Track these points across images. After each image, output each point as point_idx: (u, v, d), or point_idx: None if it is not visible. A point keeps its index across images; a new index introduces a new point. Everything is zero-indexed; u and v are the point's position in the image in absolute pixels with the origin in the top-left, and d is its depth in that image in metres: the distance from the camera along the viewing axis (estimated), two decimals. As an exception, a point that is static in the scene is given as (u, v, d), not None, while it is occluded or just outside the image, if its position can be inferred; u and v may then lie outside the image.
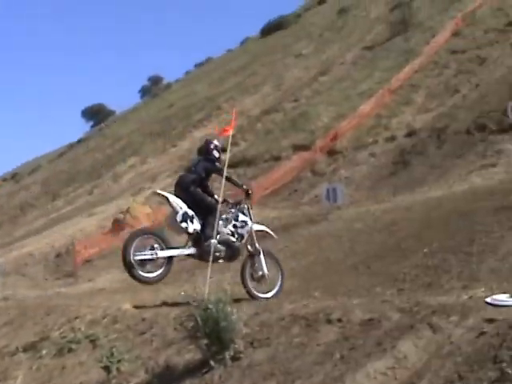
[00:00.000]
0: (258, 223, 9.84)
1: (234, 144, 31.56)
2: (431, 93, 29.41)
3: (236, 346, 6.23)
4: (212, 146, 9.77)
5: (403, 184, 21.05)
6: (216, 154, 9.77)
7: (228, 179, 9.42)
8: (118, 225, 25.88)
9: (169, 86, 75.31)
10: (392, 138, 25.86)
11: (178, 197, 9.13)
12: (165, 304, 9.17)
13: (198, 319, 6.24)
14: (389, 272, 9.81)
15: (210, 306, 6.16)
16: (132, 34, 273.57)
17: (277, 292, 9.36)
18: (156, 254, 8.72)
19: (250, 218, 9.57)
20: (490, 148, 19.84)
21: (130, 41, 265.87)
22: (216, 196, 9.38)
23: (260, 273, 9.32)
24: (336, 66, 41.21)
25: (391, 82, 31.55)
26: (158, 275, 8.80)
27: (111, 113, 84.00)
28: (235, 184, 9.74)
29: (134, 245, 8.59)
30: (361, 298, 7.61)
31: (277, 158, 28.99)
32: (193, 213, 9.02)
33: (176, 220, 8.92)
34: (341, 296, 8.32)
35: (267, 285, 9.32)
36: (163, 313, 8.43)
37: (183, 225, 8.93)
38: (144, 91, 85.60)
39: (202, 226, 9.08)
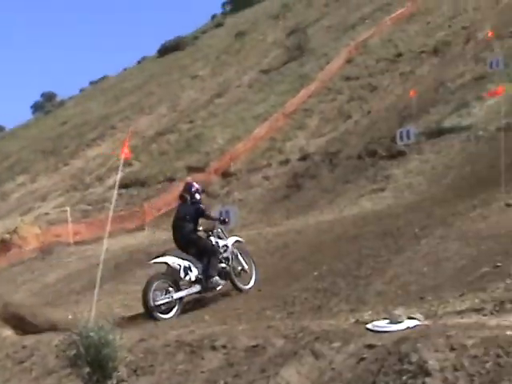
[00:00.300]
0: (229, 237, 11.40)
1: (128, 164, 31.19)
2: (325, 118, 30.06)
3: (119, 373, 6.01)
4: (194, 190, 11.03)
5: (296, 207, 21.32)
6: (198, 196, 11.04)
7: (208, 217, 11.13)
8: (4, 245, 24.82)
9: (62, 102, 73.61)
10: (286, 162, 26.20)
11: (180, 246, 10.64)
12: (49, 329, 8.79)
13: (80, 346, 5.96)
14: (279, 295, 9.80)
15: (92, 334, 5.89)
16: (26, 48, 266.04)
17: (255, 282, 11.14)
18: (172, 297, 10.06)
19: (226, 236, 11.22)
20: (380, 173, 20.39)
21: (23, 55, 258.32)
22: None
23: (239, 268, 11.11)
24: (232, 89, 41.48)
25: (286, 106, 32.03)
26: (173, 314, 9.99)
27: (0, 128, 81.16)
28: (213, 219, 11.36)
29: (153, 290, 9.84)
30: (250, 321, 7.53)
31: (171, 179, 28.75)
32: (189, 263, 10.42)
33: (181, 277, 10.29)
34: (231, 320, 8.22)
35: (247, 278, 11.14)
36: (45, 340, 8.06)
37: (187, 278, 10.35)
38: (36, 107, 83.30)
39: (205, 266, 10.53)
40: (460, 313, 6.15)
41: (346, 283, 9.32)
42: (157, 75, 55.64)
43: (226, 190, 26.07)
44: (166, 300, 9.96)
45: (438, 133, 21.01)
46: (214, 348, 5.98)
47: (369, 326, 5.69)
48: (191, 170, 28.65)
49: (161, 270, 10.54)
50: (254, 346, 5.74)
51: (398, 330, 5.43)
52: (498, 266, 7.97)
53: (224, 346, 5.94)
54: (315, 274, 10.35)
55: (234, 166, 27.60)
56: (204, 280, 10.50)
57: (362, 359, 4.94)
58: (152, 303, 9.76)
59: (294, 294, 9.54)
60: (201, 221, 10.92)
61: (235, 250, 11.19)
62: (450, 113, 22.08)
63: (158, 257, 10.51)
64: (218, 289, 10.75)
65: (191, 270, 10.41)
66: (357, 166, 22.28)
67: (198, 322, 7.97)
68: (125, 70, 74.83)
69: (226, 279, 10.86)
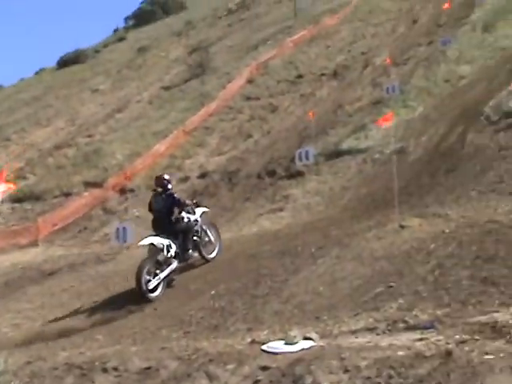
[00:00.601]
0: (197, 207, 13.24)
1: (23, 178, 30.15)
2: (225, 136, 30.13)
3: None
4: (166, 182, 12.78)
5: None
6: (170, 186, 12.84)
7: (184, 204, 12.75)
8: None
9: (-47, 112, 70.48)
10: (185, 179, 26.01)
11: (158, 230, 12.28)
12: None
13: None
14: (175, 314, 9.68)
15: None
16: None
17: (218, 251, 13.33)
18: (160, 277, 11.68)
19: (194, 212, 12.95)
20: (279, 193, 20.55)
21: None
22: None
23: (206, 239, 13.18)
24: (133, 104, 40.97)
25: (186, 123, 31.91)
26: (160, 292, 11.61)
27: None
28: (188, 205, 12.94)
29: (145, 274, 11.40)
30: (145, 341, 7.36)
31: (67, 194, 27.96)
32: (169, 241, 12.09)
33: (164, 254, 11.91)
34: (125, 339, 8.01)
35: (211, 248, 13.27)
36: None
37: (168, 255, 11.98)
38: None
39: (181, 242, 12.38)
40: (354, 332, 6.23)
41: (243, 302, 9.31)
42: (55, 87, 54.27)
43: (124, 206, 25.58)
44: (156, 282, 11.56)
45: (336, 154, 21.42)
46: (105, 370, 5.77)
47: (264, 347, 5.66)
48: (89, 185, 27.98)
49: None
50: (146, 368, 5.59)
51: (293, 352, 5.43)
52: (391, 287, 8.16)
53: (115, 369, 5.74)
54: (212, 292, 10.30)
55: (132, 182, 27.17)
56: (181, 254, 12.32)
57: (257, 381, 4.89)
58: (145, 287, 11.32)
59: (191, 312, 9.45)
60: None
61: (204, 225, 13.15)
62: (347, 135, 22.58)
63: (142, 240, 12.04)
64: (189, 260, 12.74)
65: (171, 247, 12.09)
66: (256, 185, 22.39)
67: (91, 341, 7.70)
68: (21, 80, 72.61)
69: (196, 250, 12.84)
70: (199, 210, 13.16)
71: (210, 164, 26.88)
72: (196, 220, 12.86)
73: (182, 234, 12.46)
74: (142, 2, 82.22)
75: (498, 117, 17.68)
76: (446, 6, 35.47)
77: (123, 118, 38.20)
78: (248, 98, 34.27)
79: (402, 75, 27.68)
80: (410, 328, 6.16)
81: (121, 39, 68.95)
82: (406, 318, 6.47)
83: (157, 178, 13.10)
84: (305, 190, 19.84)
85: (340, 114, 26.25)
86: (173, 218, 12.49)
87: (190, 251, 12.61)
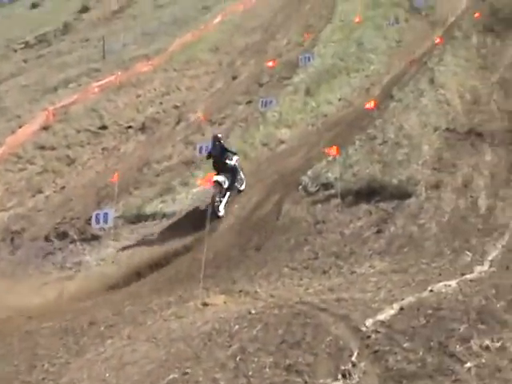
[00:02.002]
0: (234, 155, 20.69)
1: None
2: (10, 190, 29.04)
3: None
4: (219, 137, 20.97)
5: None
6: (222, 140, 20.95)
7: (227, 150, 20.44)
8: None
9: None
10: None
11: (218, 170, 19.81)
12: None
13: None
14: None
15: None
16: None
17: (244, 185, 20.95)
18: (220, 201, 19.26)
19: (232, 158, 20.41)
20: (70, 259, 20.06)
21: None
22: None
23: (239, 177, 20.65)
24: None
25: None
26: (223, 209, 19.37)
27: None
28: (229, 150, 20.62)
29: (217, 198, 19.07)
30: None
31: None
32: (224, 178, 19.54)
33: (224, 186, 19.45)
34: None
35: (241, 181, 20.87)
36: None
37: (225, 186, 19.43)
38: None
39: (231, 179, 19.81)
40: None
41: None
42: None
43: None
44: (223, 205, 19.32)
45: (138, 218, 21.35)
46: None
47: None
48: None
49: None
50: None
51: None
52: (186, 373, 8.15)
53: None
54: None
55: None
56: (231, 186, 19.78)
57: None
58: (217, 209, 18.95)
59: None
60: None
61: (238, 168, 20.52)
62: (153, 197, 22.63)
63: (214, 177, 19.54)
64: (235, 190, 20.27)
65: (226, 182, 19.50)
66: (43, 248, 21.68)
67: None
68: None
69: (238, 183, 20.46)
70: (235, 157, 20.40)
71: (-12, 221, 25.71)
72: (235, 165, 20.21)
73: (232, 174, 19.94)
74: None
75: (315, 188, 18.59)
76: (271, 64, 36.96)
77: None
78: (41, 147, 33.36)
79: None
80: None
81: None
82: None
83: (214, 136, 20.87)
84: (100, 257, 19.54)
85: (146, 172, 26.33)
86: (226, 161, 19.97)
87: (236, 185, 20.21)
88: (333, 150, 19.13)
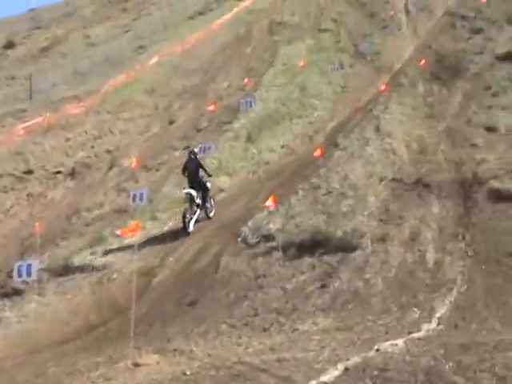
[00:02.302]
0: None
1: None
2: None
3: None
4: (196, 152, 22.78)
5: None
6: (198, 155, 22.73)
7: (202, 166, 22.14)
8: None
9: None
10: None
11: (192, 186, 21.57)
12: None
13: None
14: None
15: None
16: None
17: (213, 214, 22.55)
18: (191, 218, 21.13)
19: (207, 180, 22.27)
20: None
21: None
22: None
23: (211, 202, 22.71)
24: None
25: None
26: (192, 226, 21.09)
27: None
28: (205, 169, 22.37)
29: (188, 215, 20.89)
30: None
31: None
32: (197, 193, 21.35)
33: (196, 201, 21.29)
34: None
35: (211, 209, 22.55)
36: None
37: (197, 201, 21.34)
38: None
39: (203, 196, 21.71)
40: None
41: None
42: None
43: None
44: (193, 222, 21.07)
45: (65, 271, 20.95)
46: None
47: None
48: None
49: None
50: None
51: None
52: None
53: None
54: None
55: None
56: (202, 204, 21.64)
57: None
58: (187, 225, 20.75)
59: None
60: None
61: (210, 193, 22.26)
62: (82, 248, 22.27)
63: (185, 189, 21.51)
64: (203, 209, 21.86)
65: (198, 198, 21.27)
66: (-43, 304, 21.12)
67: None
68: None
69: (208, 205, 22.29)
70: (209, 184, 22.03)
71: None
72: (209, 186, 22.11)
73: (204, 192, 21.72)
74: None
75: (256, 239, 18.59)
76: (212, 107, 37.12)
77: None
78: (-40, 193, 32.81)
79: (152, 182, 28.33)
80: None
81: None
82: None
83: (190, 150, 22.71)
84: (22, 314, 19.06)
85: (75, 221, 26.04)
86: (201, 178, 21.72)
87: (207, 204, 21.97)
88: (269, 202, 19.18)
